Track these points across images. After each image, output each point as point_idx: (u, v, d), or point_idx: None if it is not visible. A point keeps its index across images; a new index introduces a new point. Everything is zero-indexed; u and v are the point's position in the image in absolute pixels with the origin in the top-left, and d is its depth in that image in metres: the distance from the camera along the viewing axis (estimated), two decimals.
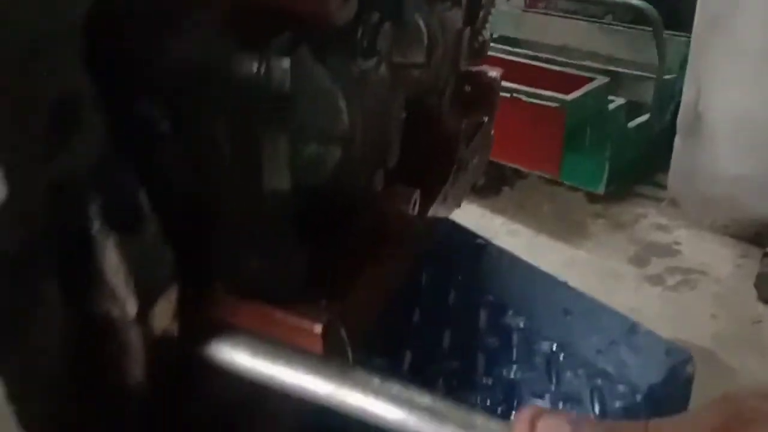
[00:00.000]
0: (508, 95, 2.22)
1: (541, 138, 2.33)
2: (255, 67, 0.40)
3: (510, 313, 0.79)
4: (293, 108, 0.44)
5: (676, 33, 2.72)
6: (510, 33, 3.53)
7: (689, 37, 2.50)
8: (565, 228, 2.42)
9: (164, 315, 0.32)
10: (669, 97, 2.69)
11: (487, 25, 1.03)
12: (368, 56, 0.50)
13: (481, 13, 0.98)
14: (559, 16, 3.48)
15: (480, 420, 0.30)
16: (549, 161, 2.39)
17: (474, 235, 0.95)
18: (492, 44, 3.76)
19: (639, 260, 2.22)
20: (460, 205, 1.10)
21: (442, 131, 0.90)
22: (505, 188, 2.78)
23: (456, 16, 0.78)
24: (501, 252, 0.91)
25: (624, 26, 3.18)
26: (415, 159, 0.84)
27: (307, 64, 0.43)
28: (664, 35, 2.56)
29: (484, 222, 2.47)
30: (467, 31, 0.86)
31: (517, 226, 2.45)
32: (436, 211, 0.89)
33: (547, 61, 2.90)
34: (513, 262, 0.90)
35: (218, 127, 0.41)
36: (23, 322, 0.26)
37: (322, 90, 0.48)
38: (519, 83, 2.28)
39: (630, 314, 1.22)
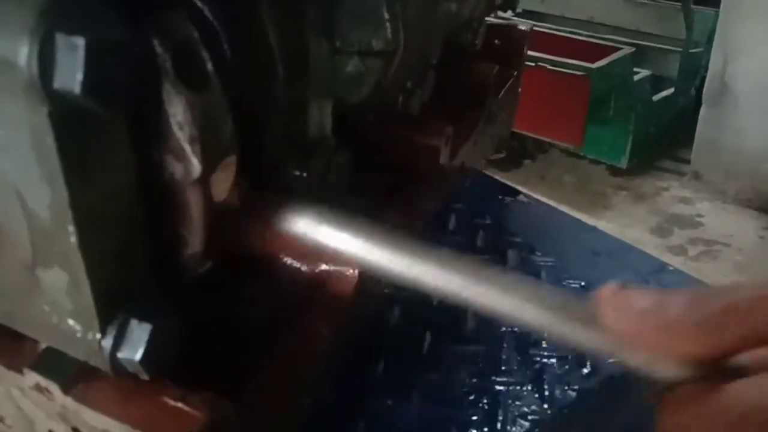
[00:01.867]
0: (532, 64, 2.20)
1: (565, 108, 2.31)
2: None
3: (538, 253, 0.80)
4: (340, 10, 0.44)
5: (704, 6, 2.67)
6: (535, 7, 3.50)
7: (717, 11, 2.45)
8: (587, 199, 2.41)
9: (223, 182, 0.32)
10: (694, 71, 2.65)
11: None
12: None
13: None
14: None
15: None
16: (572, 132, 2.38)
17: (502, 184, 0.95)
18: (516, 18, 3.71)
19: (661, 231, 2.20)
20: (488, 157, 1.10)
21: (474, 74, 0.90)
22: (527, 161, 2.77)
23: None
24: (529, 198, 0.91)
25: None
26: (447, 98, 0.84)
27: None
28: (691, 7, 2.52)
29: None
30: None
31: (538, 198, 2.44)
32: (464, 157, 0.89)
33: (571, 33, 2.87)
34: (541, 208, 0.90)
35: (266, 24, 0.41)
36: (97, 165, 0.27)
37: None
38: (543, 53, 2.26)
39: None
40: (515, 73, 1.12)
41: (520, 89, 1.24)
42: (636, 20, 3.01)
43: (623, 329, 0.28)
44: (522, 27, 1.11)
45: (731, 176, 2.31)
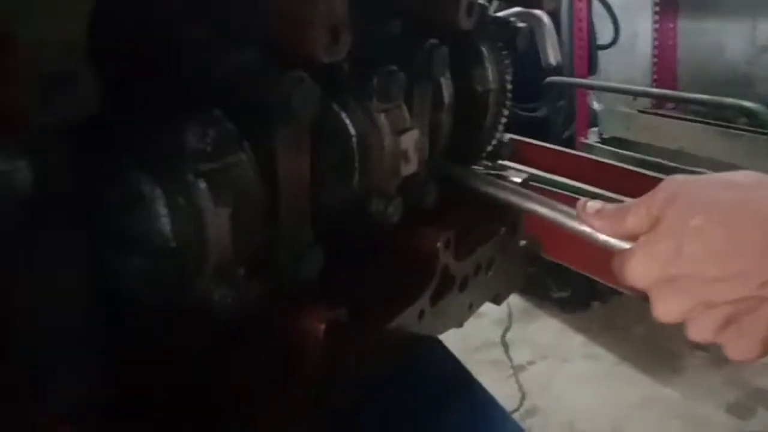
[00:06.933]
0: None
1: None
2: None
3: None
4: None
5: None
6: (622, 134, 3.42)
7: None
8: (655, 358, 2.17)
9: None
10: None
11: (500, 127, 0.97)
12: (207, 160, 0.45)
13: (489, 116, 0.93)
14: (675, 118, 3.30)
15: None
16: None
17: (455, 364, 0.85)
18: (601, 145, 3.63)
19: (740, 409, 1.92)
20: (461, 325, 1.00)
21: (418, 241, 0.83)
22: (595, 303, 2.58)
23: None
24: (472, 390, 0.79)
25: (745, 130, 2.94)
26: (390, 268, 0.78)
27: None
28: None
29: (560, 340, 2.29)
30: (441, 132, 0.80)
31: (598, 350, 2.23)
32: (411, 328, 0.81)
33: (656, 165, 2.74)
34: (483, 404, 0.78)
35: None
36: None
37: (135, 196, 0.44)
38: (609, 191, 2.13)
39: None
40: (503, 230, 1.04)
41: (521, 245, 1.17)
42: (729, 152, 2.83)
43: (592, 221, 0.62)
44: (515, 179, 1.04)
45: None
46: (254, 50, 0.50)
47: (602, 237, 0.62)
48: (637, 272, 0.56)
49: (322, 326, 0.62)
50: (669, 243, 0.54)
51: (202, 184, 0.44)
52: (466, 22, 0.68)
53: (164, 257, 0.45)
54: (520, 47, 0.91)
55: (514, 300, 2.57)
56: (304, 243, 0.60)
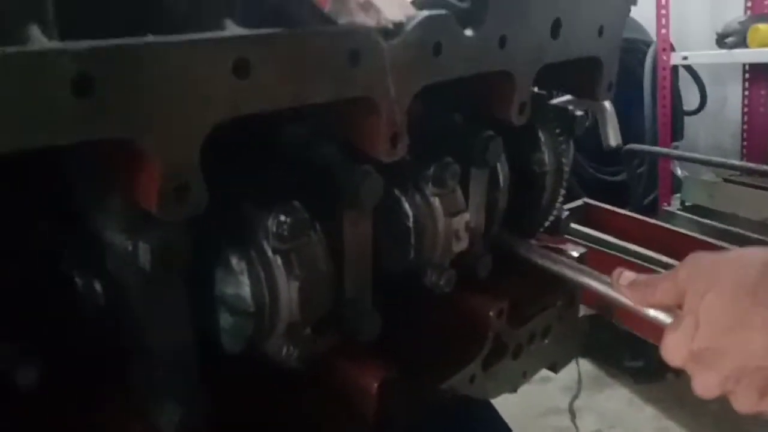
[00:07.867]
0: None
1: None
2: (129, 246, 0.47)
3: None
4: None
5: None
6: (705, 203, 3.34)
7: None
8: None
9: None
10: None
11: (558, 204, 1.03)
12: (283, 242, 0.55)
13: (546, 194, 0.99)
14: (761, 188, 3.20)
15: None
16: None
17: (499, 428, 0.90)
18: (683, 213, 3.52)
19: None
20: (514, 390, 1.05)
21: (467, 309, 0.90)
22: (669, 375, 2.50)
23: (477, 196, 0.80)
24: None
25: None
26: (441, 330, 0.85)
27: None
28: None
29: (630, 411, 2.24)
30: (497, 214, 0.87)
31: (668, 424, 2.17)
32: (462, 390, 0.87)
33: (739, 236, 2.66)
34: None
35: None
36: None
37: (225, 267, 0.54)
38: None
39: None
40: (559, 301, 1.08)
41: (578, 317, 1.20)
42: None
43: (625, 291, 0.67)
44: (573, 253, 1.09)
45: None
46: (330, 149, 0.61)
47: (651, 312, 0.63)
48: (670, 353, 0.60)
49: (376, 384, 0.70)
50: (689, 321, 0.57)
51: (278, 261, 0.54)
52: (518, 119, 0.76)
53: (245, 317, 0.55)
54: (577, 133, 0.98)
55: (585, 366, 2.54)
56: (364, 309, 0.69)
